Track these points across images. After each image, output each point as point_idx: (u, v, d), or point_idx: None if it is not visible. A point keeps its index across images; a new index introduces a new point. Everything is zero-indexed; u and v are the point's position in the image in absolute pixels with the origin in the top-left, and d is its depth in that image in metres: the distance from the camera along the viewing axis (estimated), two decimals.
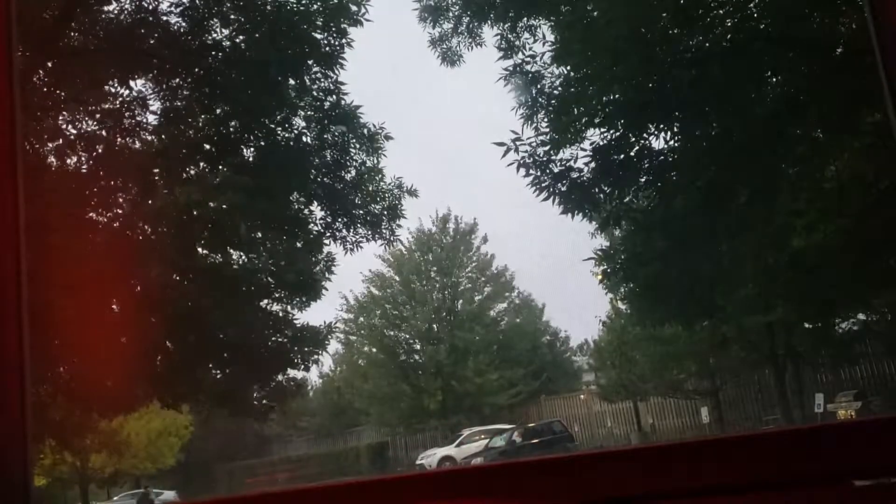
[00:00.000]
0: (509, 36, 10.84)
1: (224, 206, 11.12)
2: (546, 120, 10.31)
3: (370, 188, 12.01)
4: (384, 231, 12.06)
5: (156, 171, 11.04)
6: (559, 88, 10.37)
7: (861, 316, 16.57)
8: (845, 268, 10.40)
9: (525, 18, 10.67)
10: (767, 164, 9.58)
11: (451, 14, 11.73)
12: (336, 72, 11.30)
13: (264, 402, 12.82)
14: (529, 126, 10.33)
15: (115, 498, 25.28)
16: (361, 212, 11.95)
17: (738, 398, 21.43)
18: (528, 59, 10.55)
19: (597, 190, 10.33)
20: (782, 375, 18.57)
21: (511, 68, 10.58)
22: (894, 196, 9.45)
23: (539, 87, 10.47)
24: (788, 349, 18.02)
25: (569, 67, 10.25)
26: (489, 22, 11.17)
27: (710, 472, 1.23)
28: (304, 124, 11.73)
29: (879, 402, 16.15)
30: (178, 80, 11.16)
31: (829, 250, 10.32)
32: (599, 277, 17.75)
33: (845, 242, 10.10)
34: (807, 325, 17.08)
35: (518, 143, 10.07)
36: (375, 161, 11.95)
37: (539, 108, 10.35)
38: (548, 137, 10.18)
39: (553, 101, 10.29)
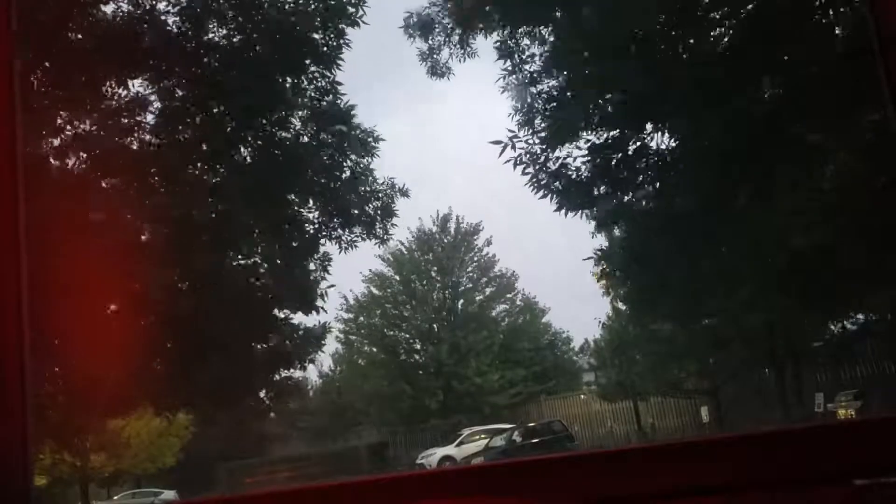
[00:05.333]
0: (508, 42, 10.82)
1: (221, 206, 11.13)
2: (543, 124, 10.33)
3: (364, 188, 12.08)
4: (378, 230, 12.16)
5: (154, 170, 11.04)
6: (556, 92, 10.38)
7: (861, 316, 16.56)
8: (845, 268, 10.39)
9: (524, 26, 10.66)
10: (767, 164, 9.58)
11: (438, 28, 11.67)
12: (333, 72, 11.34)
13: (263, 402, 12.83)
14: (527, 130, 10.36)
15: (116, 497, 25.28)
16: (356, 211, 12.03)
17: (738, 398, 21.42)
18: (528, 59, 10.55)
19: (594, 188, 10.34)
20: (782, 375, 18.57)
21: (508, 69, 10.58)
22: (894, 196, 9.45)
23: (537, 90, 10.49)
24: (788, 349, 18.01)
25: (567, 70, 10.26)
26: (482, 33, 11.15)
27: (709, 472, 1.23)
28: (300, 125, 11.78)
29: (879, 401, 16.15)
30: (175, 80, 11.17)
31: (829, 250, 10.32)
32: (598, 277, 17.77)
33: (845, 242, 10.09)
34: (807, 325, 17.07)
35: (515, 139, 10.10)
36: (369, 161, 12.04)
37: (536, 112, 10.37)
38: (545, 135, 10.20)
39: (551, 104, 10.30)
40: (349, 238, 12.05)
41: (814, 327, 17.09)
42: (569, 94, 10.18)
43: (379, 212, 12.12)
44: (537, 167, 10.13)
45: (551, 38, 10.52)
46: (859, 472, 1.21)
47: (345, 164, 11.93)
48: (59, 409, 11.18)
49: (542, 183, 10.17)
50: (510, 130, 10.14)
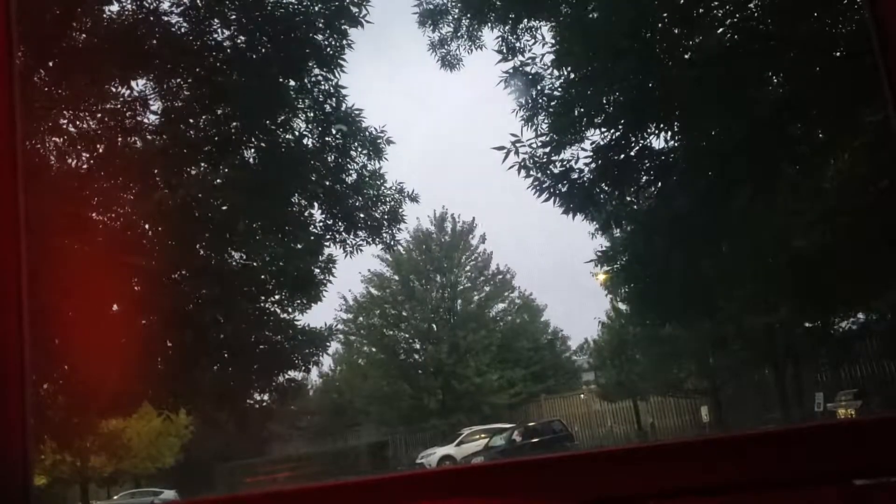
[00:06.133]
0: (510, 38, 10.82)
1: (224, 207, 11.12)
2: (546, 122, 10.31)
3: (371, 192, 11.99)
4: (384, 235, 12.07)
5: (156, 171, 11.04)
6: (559, 90, 10.37)
7: (861, 316, 16.57)
8: (845, 268, 10.40)
9: (525, 20, 10.65)
10: (767, 164, 9.57)
11: (450, 17, 11.71)
12: (337, 74, 11.31)
13: (263, 404, 12.83)
14: (530, 128, 10.34)
15: (115, 497, 25.32)
16: (362, 215, 11.95)
17: (738, 398, 21.43)
18: (528, 61, 10.54)
19: (597, 190, 10.33)
20: (782, 375, 18.59)
21: (511, 70, 10.57)
22: (894, 196, 9.45)
23: (539, 88, 10.46)
24: (788, 349, 18.02)
25: (569, 68, 10.24)
26: (489, 24, 11.15)
27: (709, 472, 1.23)
28: (304, 126, 11.74)
29: (879, 401, 16.16)
30: (178, 80, 11.16)
31: (829, 250, 10.32)
32: (602, 278, 17.77)
33: (845, 242, 10.10)
34: (807, 325, 17.09)
35: (518, 144, 10.07)
36: (377, 165, 11.95)
37: (539, 109, 10.34)
38: (548, 138, 10.17)
39: (553, 103, 10.29)
40: (354, 242, 11.97)
41: (814, 327, 17.10)
42: (572, 90, 10.15)
43: (386, 216, 12.02)
44: (540, 171, 10.11)
45: (552, 38, 10.52)
46: (859, 472, 1.21)
47: (349, 166, 11.87)
48: (59, 408, 11.18)
49: (545, 186, 10.15)
50: (513, 135, 10.12)
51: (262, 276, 12.02)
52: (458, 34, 11.67)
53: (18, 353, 1.32)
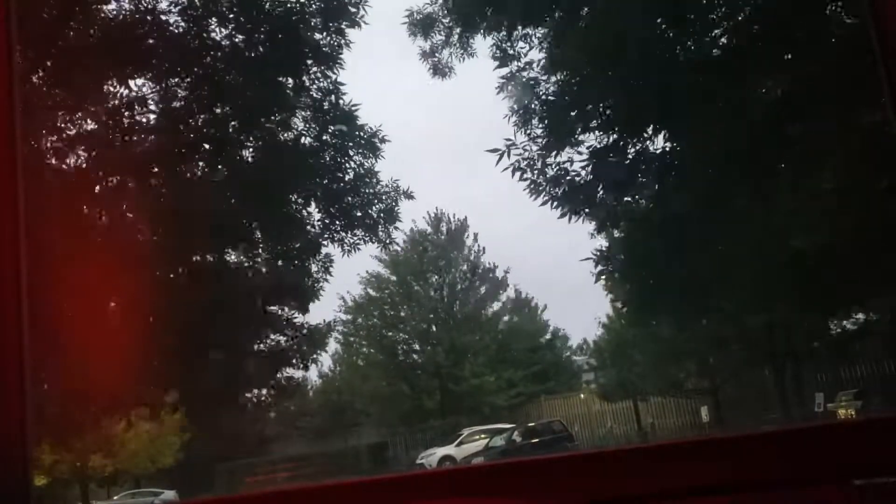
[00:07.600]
0: (505, 45, 10.80)
1: (223, 207, 11.13)
2: (542, 126, 10.31)
3: (368, 190, 12.01)
4: (381, 233, 12.09)
5: (155, 170, 11.04)
6: (554, 95, 10.36)
7: (861, 316, 16.56)
8: (845, 268, 10.39)
9: (520, 28, 10.64)
10: (767, 164, 9.57)
11: (441, 27, 11.64)
12: (335, 72, 11.33)
13: (262, 401, 12.85)
14: (524, 133, 10.35)
15: (116, 497, 25.29)
16: (359, 213, 11.97)
17: (738, 398, 21.42)
18: (526, 66, 10.54)
19: (594, 191, 10.34)
20: (782, 375, 18.57)
21: (507, 76, 10.58)
22: (894, 196, 9.45)
23: (535, 93, 10.46)
24: (788, 349, 18.01)
25: (566, 73, 10.25)
26: (481, 33, 11.11)
27: (710, 472, 1.23)
28: (302, 125, 11.76)
29: (879, 401, 16.15)
30: (177, 79, 11.16)
31: (828, 250, 10.32)
32: (598, 277, 17.76)
33: (845, 242, 10.09)
34: (807, 325, 17.07)
35: (512, 147, 10.08)
36: (373, 163, 11.97)
37: (534, 114, 10.35)
38: (543, 142, 10.19)
39: (548, 108, 10.29)
40: (351, 241, 12.00)
41: (814, 327, 17.09)
42: (566, 96, 10.15)
43: (382, 215, 12.05)
44: (535, 173, 10.12)
45: (547, 43, 10.51)
46: (859, 472, 1.21)
47: (347, 165, 11.89)
48: (58, 408, 11.18)
49: (541, 189, 10.16)
50: (507, 139, 10.13)
51: (261, 275, 12.03)
52: (450, 42, 11.61)
53: (18, 353, 1.32)
